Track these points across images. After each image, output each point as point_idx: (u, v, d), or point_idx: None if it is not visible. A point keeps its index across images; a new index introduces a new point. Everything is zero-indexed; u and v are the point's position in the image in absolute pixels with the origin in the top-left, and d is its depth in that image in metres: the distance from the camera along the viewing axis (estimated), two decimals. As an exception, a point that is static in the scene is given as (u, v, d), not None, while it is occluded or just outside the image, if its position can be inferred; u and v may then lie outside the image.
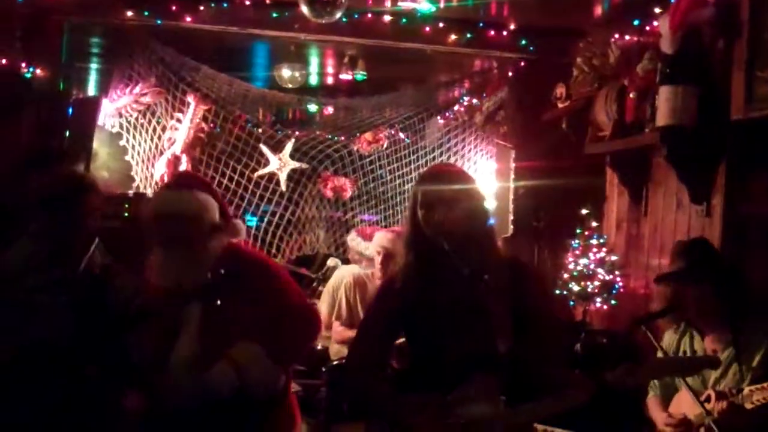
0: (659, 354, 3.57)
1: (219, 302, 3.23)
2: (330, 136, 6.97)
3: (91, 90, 6.26)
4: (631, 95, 5.27)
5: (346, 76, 7.50)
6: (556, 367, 2.99)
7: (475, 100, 7.54)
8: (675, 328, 3.86)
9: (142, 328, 3.30)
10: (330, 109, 7.56)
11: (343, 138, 6.94)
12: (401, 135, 7.17)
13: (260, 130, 6.76)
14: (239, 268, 3.33)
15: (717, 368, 3.44)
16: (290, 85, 7.52)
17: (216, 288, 3.25)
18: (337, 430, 4.55)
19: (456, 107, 7.62)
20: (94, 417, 3.28)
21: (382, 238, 5.50)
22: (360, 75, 7.42)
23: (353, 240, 6.25)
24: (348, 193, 6.89)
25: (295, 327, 3.32)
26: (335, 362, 4.90)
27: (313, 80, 8.19)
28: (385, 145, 6.94)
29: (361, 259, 6.12)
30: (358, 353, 3.13)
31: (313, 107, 7.50)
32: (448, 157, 6.98)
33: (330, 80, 8.33)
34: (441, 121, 7.46)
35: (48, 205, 3.36)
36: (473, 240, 2.95)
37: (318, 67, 7.86)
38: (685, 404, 3.58)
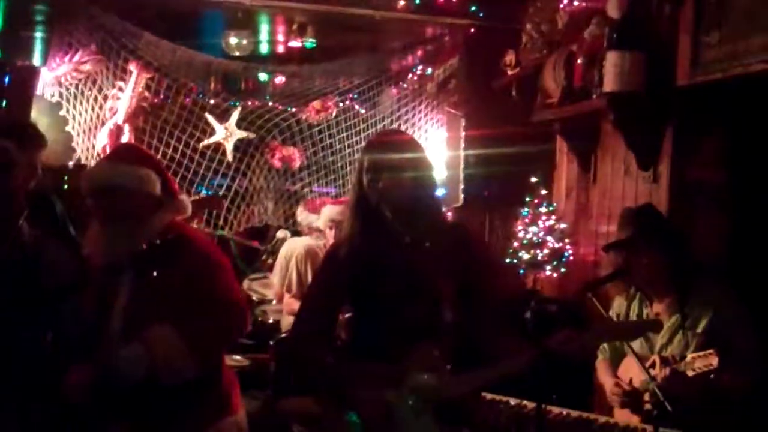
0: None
1: (150, 278, 3.13)
2: (280, 107, 6.83)
3: (33, 59, 6.03)
4: (579, 61, 5.24)
5: (295, 44, 7.36)
6: (500, 335, 2.95)
7: (429, 70, 7.45)
8: (625, 294, 3.86)
9: (75, 300, 3.21)
10: (282, 79, 7.41)
11: (292, 107, 6.79)
12: (354, 104, 7.06)
13: (210, 100, 6.60)
14: (177, 248, 3.20)
15: (659, 331, 3.45)
16: (238, 53, 7.35)
17: (150, 262, 3.15)
18: (285, 403, 4.50)
19: (409, 76, 7.52)
20: (33, 392, 3.18)
21: (330, 211, 5.43)
22: (309, 42, 7.28)
23: (301, 214, 6.18)
24: (297, 163, 6.77)
25: (220, 321, 3.20)
26: (283, 335, 4.84)
27: (263, 48, 8.03)
28: (334, 114, 6.83)
29: (312, 231, 6.06)
30: (303, 324, 3.08)
31: (263, 76, 7.34)
32: (399, 126, 6.88)
33: (281, 48, 8.17)
34: (394, 90, 7.36)
35: None
36: (418, 207, 2.91)
37: (267, 34, 7.71)
38: (632, 369, 3.59)
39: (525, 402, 3.41)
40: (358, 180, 2.98)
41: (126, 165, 3.23)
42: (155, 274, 3.13)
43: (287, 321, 5.50)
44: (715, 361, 3.20)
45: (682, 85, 4.47)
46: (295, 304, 5.41)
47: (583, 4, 5.58)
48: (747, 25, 4.00)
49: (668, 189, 4.68)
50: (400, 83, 7.44)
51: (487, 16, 6.54)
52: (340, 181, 6.81)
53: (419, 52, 7.56)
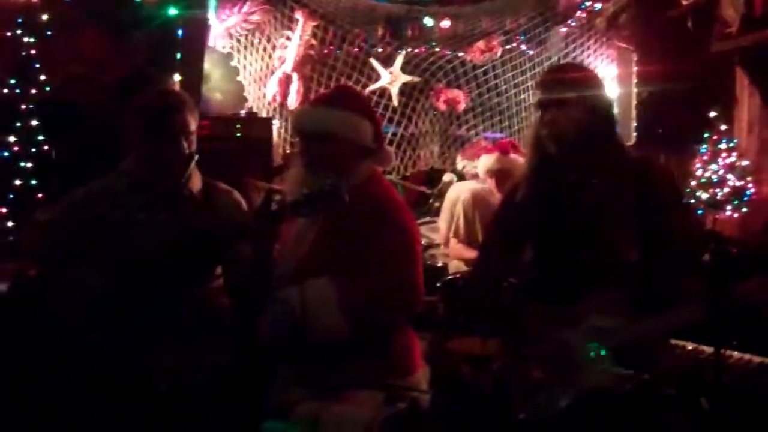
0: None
1: (332, 226, 2.99)
2: (446, 51, 6.76)
3: (201, 10, 6.22)
4: (761, -14, 4.92)
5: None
6: (684, 278, 2.79)
7: (598, 5, 7.18)
8: None
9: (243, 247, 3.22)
10: (447, 23, 7.30)
11: (457, 51, 6.70)
12: (520, 45, 6.89)
13: (377, 48, 6.61)
14: (370, 206, 3.00)
15: None
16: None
17: (341, 214, 2.94)
18: (453, 344, 4.50)
19: (577, 13, 7.27)
20: (198, 332, 3.25)
21: (487, 160, 5.33)
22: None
23: (461, 162, 6.13)
24: (462, 106, 6.68)
25: (388, 295, 2.94)
26: (449, 277, 4.82)
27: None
28: (499, 53, 6.68)
29: (474, 176, 6.01)
30: (481, 266, 3.07)
31: (429, 21, 7.26)
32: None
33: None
34: (563, 29, 7.14)
35: (143, 125, 3.28)
36: (585, 143, 2.79)
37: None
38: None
39: (703, 347, 3.28)
40: (534, 119, 2.91)
41: (342, 111, 3.05)
42: (339, 229, 2.98)
43: (454, 265, 5.48)
44: None
45: None
46: (463, 249, 5.39)
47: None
48: None
49: None
50: (569, 21, 7.21)
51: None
52: (506, 123, 6.69)
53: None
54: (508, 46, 6.76)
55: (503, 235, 3.00)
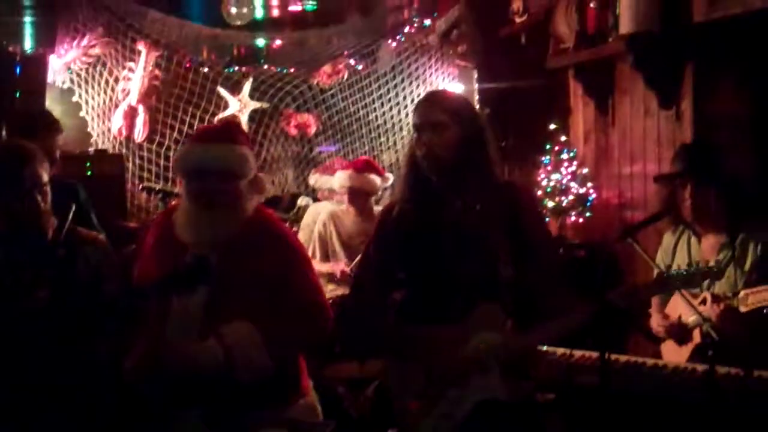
0: (655, 267, 3.61)
1: (235, 270, 2.96)
2: (282, 69, 6.79)
3: (34, 45, 6.03)
4: (591, 5, 5.23)
5: (295, 8, 7.33)
6: (559, 288, 2.94)
7: (427, 21, 7.41)
8: (673, 229, 3.85)
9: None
10: (278, 42, 7.36)
11: (298, 73, 6.78)
12: (354, 63, 7.02)
13: (214, 71, 6.59)
14: (267, 239, 3.05)
15: (720, 279, 3.45)
16: (238, 22, 7.32)
17: (238, 252, 2.99)
18: (331, 369, 4.54)
19: (407, 29, 7.47)
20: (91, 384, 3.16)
21: (343, 177, 5.43)
22: (310, 5, 7.26)
23: (317, 181, 6.19)
24: (312, 129, 6.78)
25: (303, 325, 3.05)
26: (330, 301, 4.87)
27: (259, 13, 7.96)
28: (345, 76, 6.81)
29: (332, 194, 6.07)
30: (359, 289, 3.07)
31: (260, 42, 7.30)
32: (410, 83, 6.87)
33: (275, 12, 8.12)
34: (393, 44, 7.32)
35: None
36: (465, 166, 2.89)
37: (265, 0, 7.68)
38: (681, 306, 3.60)
39: (572, 351, 3.46)
40: (409, 142, 2.99)
41: (225, 144, 3.02)
42: (239, 269, 2.97)
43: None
44: (769, 296, 3.22)
45: (699, 21, 4.46)
46: (316, 264, 5.42)
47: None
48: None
49: (692, 126, 4.70)
50: (398, 37, 7.40)
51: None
52: (357, 144, 6.81)
53: (415, 4, 7.52)
54: (350, 67, 6.89)
55: (380, 256, 3.02)
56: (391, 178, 5.68)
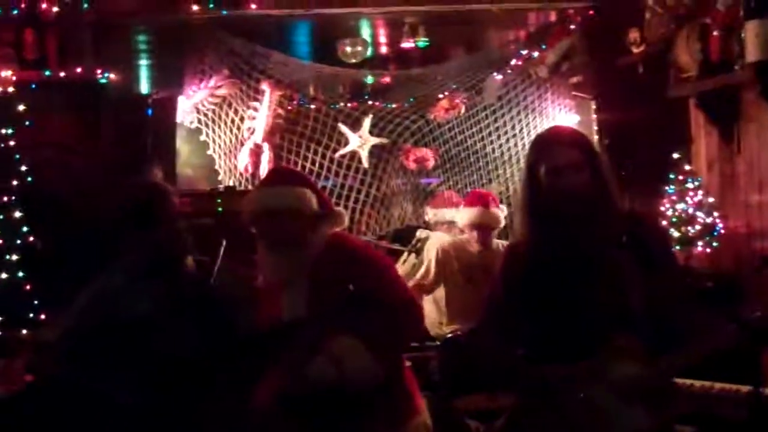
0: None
1: (324, 292, 3.24)
2: (386, 105, 6.90)
3: (166, 88, 6.31)
4: (714, 33, 5.18)
5: (407, 45, 7.43)
6: (693, 315, 2.90)
7: (535, 53, 7.41)
8: None
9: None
10: (387, 79, 7.49)
11: (415, 108, 6.87)
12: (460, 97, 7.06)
13: (338, 106, 6.77)
14: (345, 259, 3.32)
15: None
16: (353, 60, 7.47)
17: (322, 278, 3.27)
18: (459, 401, 4.56)
19: (513, 62, 7.49)
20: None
21: (473, 214, 5.47)
22: (422, 42, 7.35)
23: (435, 215, 6.28)
24: (431, 163, 6.85)
25: (398, 323, 3.27)
26: (450, 335, 4.91)
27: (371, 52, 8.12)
28: (463, 110, 6.89)
29: (451, 228, 6.14)
30: (487, 322, 3.08)
31: (369, 78, 7.44)
32: (526, 115, 6.90)
33: (382, 50, 8.25)
34: (499, 77, 7.34)
35: (131, 220, 3.30)
36: (596, 204, 2.90)
37: (376, 37, 7.81)
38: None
39: (713, 383, 3.41)
40: (529, 180, 2.96)
41: (283, 187, 3.37)
42: (327, 291, 3.24)
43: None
44: None
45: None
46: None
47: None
48: None
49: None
50: (506, 69, 7.42)
51: (605, -3, 6.50)
52: (474, 176, 6.86)
53: (523, 39, 7.54)
54: (468, 101, 6.95)
55: (507, 293, 3.02)
56: (505, 209, 5.72)
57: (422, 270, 5.60)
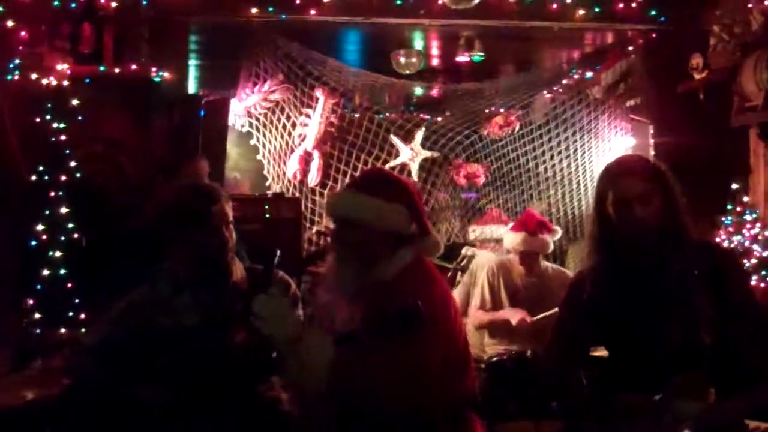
0: None
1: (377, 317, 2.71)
2: (431, 119, 6.85)
3: (218, 90, 6.29)
4: (783, 63, 5.05)
5: (463, 58, 7.38)
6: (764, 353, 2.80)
7: (588, 73, 7.32)
8: None
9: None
10: (434, 91, 7.45)
11: (468, 123, 6.81)
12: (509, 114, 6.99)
13: (385, 116, 6.70)
14: (410, 289, 2.74)
15: None
16: (407, 71, 7.43)
17: (373, 304, 2.79)
18: (504, 427, 4.47)
19: (564, 81, 7.41)
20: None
21: (516, 240, 5.34)
22: (477, 56, 7.29)
23: (482, 233, 6.19)
24: (481, 180, 6.78)
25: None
26: (495, 359, 4.82)
27: (430, 63, 8.08)
28: (517, 128, 6.81)
29: (498, 245, 6.04)
30: (556, 349, 3.05)
31: (419, 90, 7.39)
32: (581, 135, 6.80)
33: (435, 62, 8.21)
34: (548, 95, 7.26)
35: (182, 222, 3.21)
36: (668, 234, 2.83)
37: (430, 49, 7.76)
38: None
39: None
40: (599, 209, 2.93)
41: (370, 197, 2.89)
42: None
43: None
44: None
45: None
46: (481, 314, 5.35)
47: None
48: None
49: None
50: (556, 88, 7.34)
51: (669, 20, 6.37)
52: (525, 196, 6.77)
53: (576, 59, 7.46)
54: (522, 119, 6.88)
55: (574, 323, 3.00)
56: (559, 231, 5.59)
57: (477, 297, 5.47)
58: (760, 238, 5.44)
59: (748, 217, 5.48)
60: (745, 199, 5.61)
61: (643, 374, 2.78)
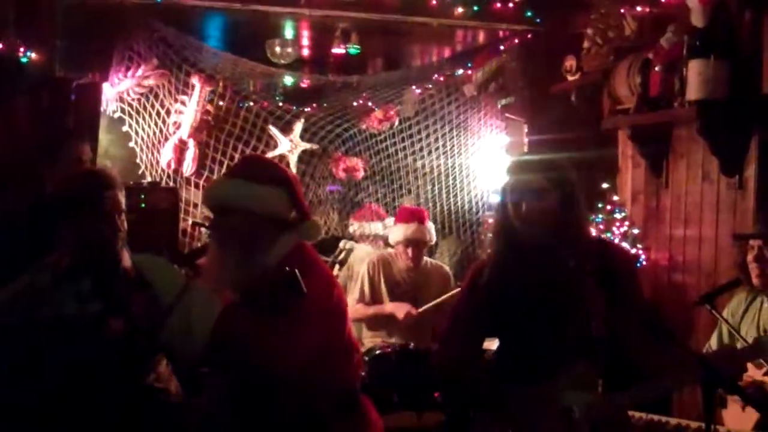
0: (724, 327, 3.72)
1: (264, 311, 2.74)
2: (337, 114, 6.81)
3: (90, 73, 6.01)
4: (656, 68, 5.23)
5: (338, 50, 7.33)
6: (652, 348, 2.89)
7: (459, 70, 7.43)
8: (747, 290, 3.86)
9: None
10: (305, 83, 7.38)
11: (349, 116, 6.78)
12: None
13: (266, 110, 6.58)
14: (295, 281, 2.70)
15: None
16: (282, 61, 7.33)
17: (264, 294, 2.77)
18: (390, 419, 4.48)
19: (434, 76, 7.49)
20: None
21: (406, 230, 5.39)
22: (353, 49, 7.26)
23: (360, 227, 6.19)
24: (360, 173, 6.78)
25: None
26: (378, 352, 4.83)
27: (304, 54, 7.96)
28: (396, 123, 6.83)
29: (375, 241, 6.06)
30: (452, 344, 3.09)
31: (289, 80, 7.30)
32: (449, 130, 6.89)
33: (306, 52, 8.12)
34: (417, 91, 7.33)
35: (73, 207, 3.08)
36: (563, 229, 2.90)
37: (303, 39, 7.67)
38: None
39: (668, 419, 3.44)
40: (501, 203, 2.99)
41: (248, 182, 2.88)
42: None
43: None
44: None
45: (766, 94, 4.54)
46: (362, 308, 5.39)
47: (647, 10, 5.61)
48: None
49: (755, 194, 4.72)
50: (424, 84, 7.41)
51: (544, 22, 6.53)
52: (402, 191, 6.81)
53: (450, 53, 7.55)
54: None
55: (471, 315, 3.06)
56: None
57: (356, 291, 5.48)
58: (628, 235, 5.66)
59: (617, 216, 5.68)
60: (615, 198, 5.81)
61: (535, 365, 2.87)
